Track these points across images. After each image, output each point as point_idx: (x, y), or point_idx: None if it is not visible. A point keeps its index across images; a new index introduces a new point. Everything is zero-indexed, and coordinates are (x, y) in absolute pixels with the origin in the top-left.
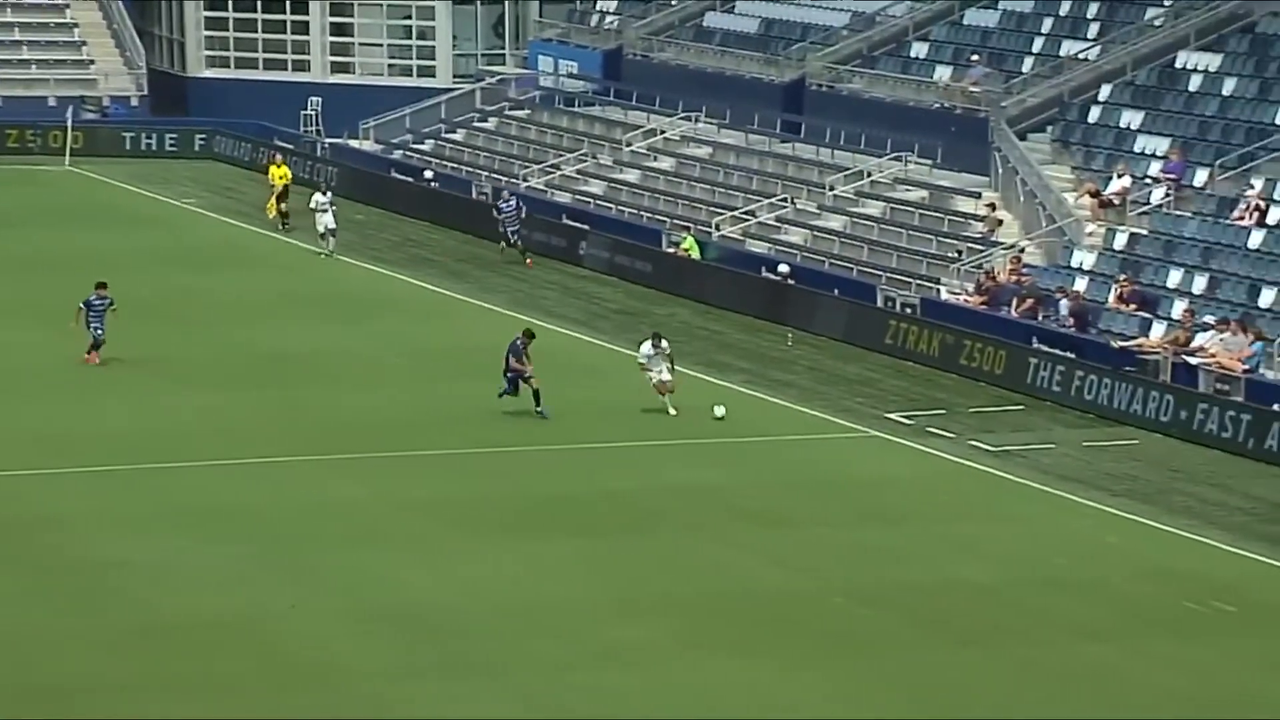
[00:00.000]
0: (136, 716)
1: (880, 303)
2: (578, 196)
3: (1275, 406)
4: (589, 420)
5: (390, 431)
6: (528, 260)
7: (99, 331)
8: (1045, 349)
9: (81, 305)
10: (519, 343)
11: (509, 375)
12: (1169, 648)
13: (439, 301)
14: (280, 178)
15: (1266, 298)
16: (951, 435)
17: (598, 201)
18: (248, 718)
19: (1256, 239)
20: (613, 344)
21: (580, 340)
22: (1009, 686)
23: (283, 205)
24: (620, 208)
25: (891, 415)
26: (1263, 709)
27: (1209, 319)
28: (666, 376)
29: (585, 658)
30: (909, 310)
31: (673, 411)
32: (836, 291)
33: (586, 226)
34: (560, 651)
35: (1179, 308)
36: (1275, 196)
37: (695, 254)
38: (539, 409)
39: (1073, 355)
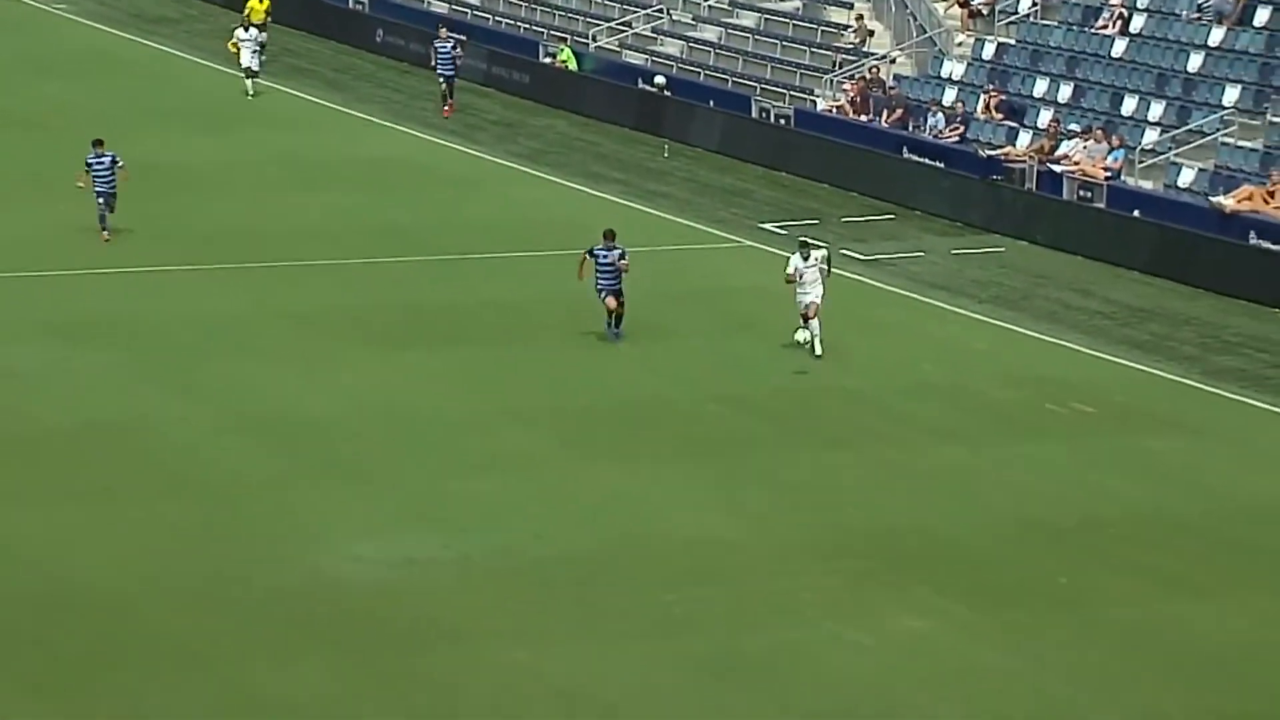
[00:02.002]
0: (18, 520)
1: (754, 113)
2: (454, 7)
3: (1135, 213)
4: (467, 233)
5: (269, 243)
6: (446, 108)
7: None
8: (916, 159)
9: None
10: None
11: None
12: (1029, 449)
13: (316, 111)
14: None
15: (1129, 105)
16: (820, 244)
17: (474, 11)
18: (126, 521)
19: (1119, 47)
20: (490, 155)
21: (457, 151)
22: (873, 486)
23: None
24: (498, 19)
25: (765, 225)
26: (1114, 505)
27: (1073, 127)
28: (817, 297)
29: (464, 465)
30: (783, 121)
31: (817, 349)
32: (711, 103)
33: (463, 37)
34: (440, 459)
35: (1045, 117)
36: (1138, 5)
37: (572, 65)
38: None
39: (941, 164)
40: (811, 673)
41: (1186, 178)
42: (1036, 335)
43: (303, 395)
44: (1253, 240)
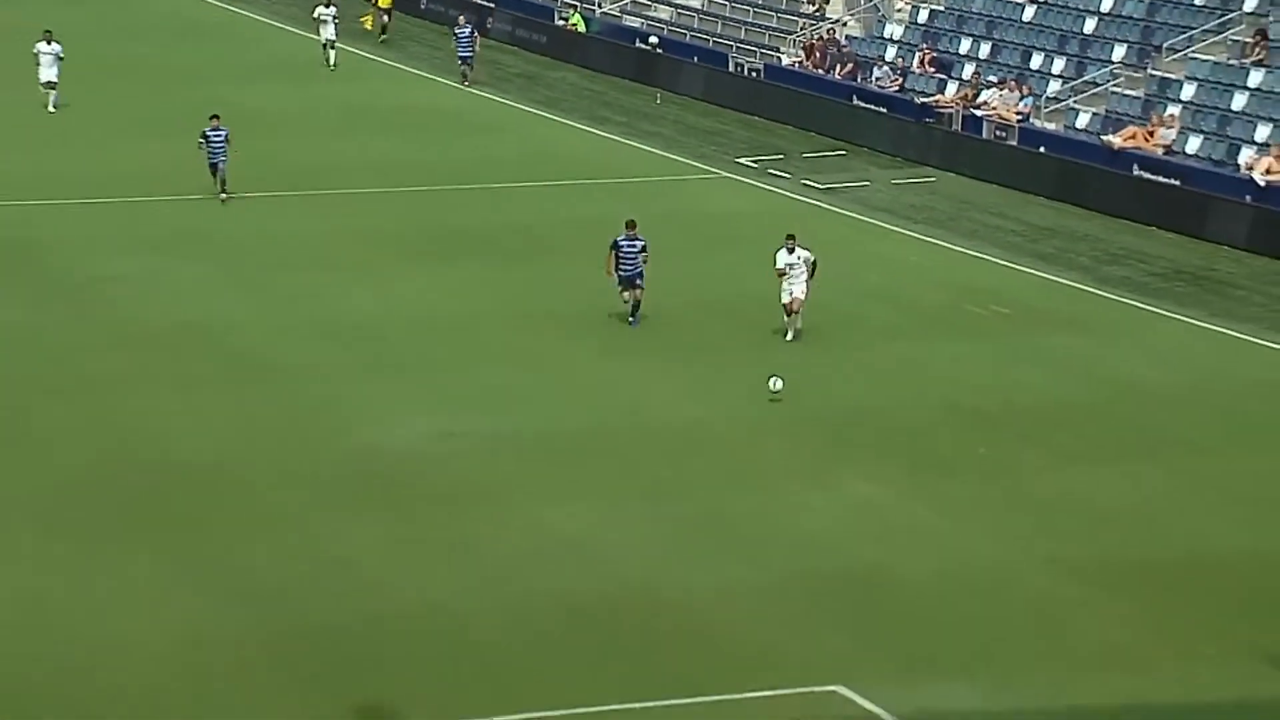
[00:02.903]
0: (129, 407)
1: (731, 68)
2: None
3: (1041, 149)
4: (496, 167)
5: (333, 175)
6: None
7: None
8: (863, 105)
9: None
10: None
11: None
12: (957, 345)
13: (370, 66)
14: None
15: (1036, 60)
16: (787, 176)
17: None
18: (215, 405)
19: (1029, 13)
20: (514, 103)
21: (487, 100)
22: (828, 377)
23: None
24: None
25: (740, 160)
26: (1026, 393)
27: (991, 79)
28: (800, 293)
29: (490, 358)
30: (754, 74)
31: (789, 337)
32: (696, 59)
33: (492, 4)
34: (471, 353)
35: (968, 70)
36: None
37: (581, 28)
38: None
39: (885, 110)
40: (779, 530)
41: (1083, 120)
42: (962, 250)
43: (360, 300)
44: (1135, 171)
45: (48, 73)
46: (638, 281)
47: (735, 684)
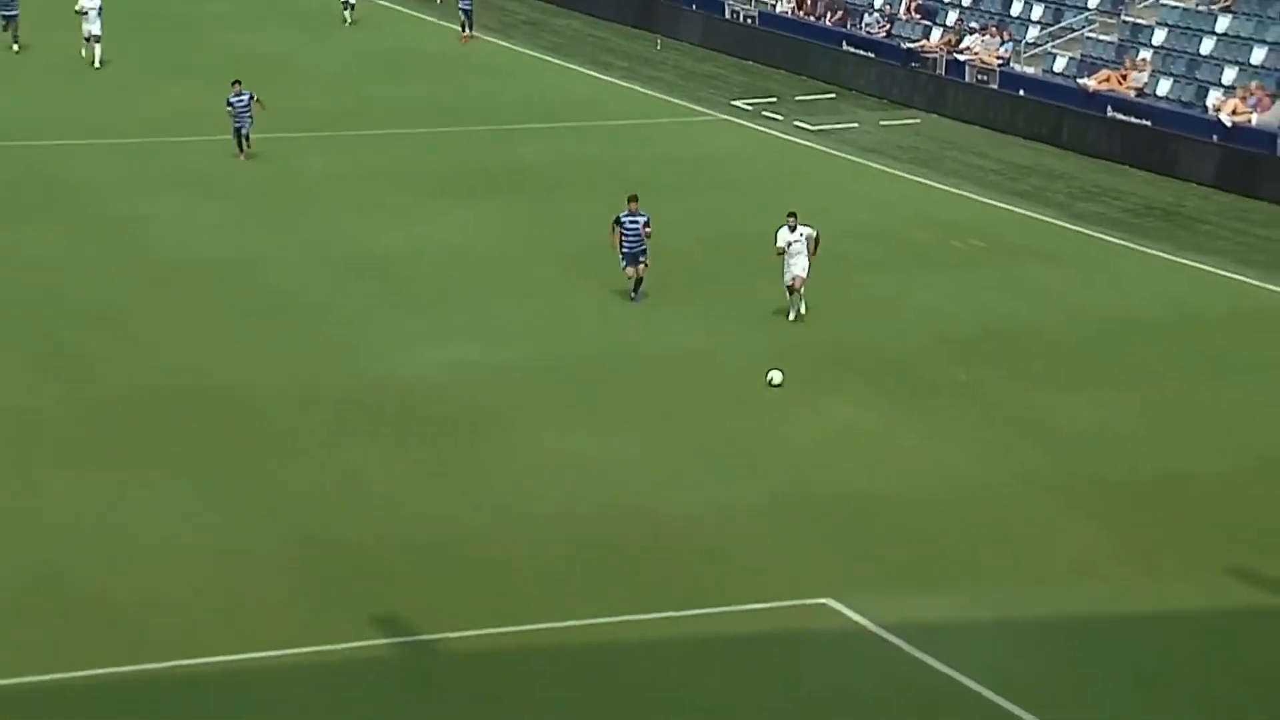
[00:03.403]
0: (161, 337)
1: (727, 15)
2: None
3: (1020, 92)
4: (507, 109)
5: (355, 118)
6: (465, 35)
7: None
8: (852, 50)
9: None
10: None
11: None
12: (937, 276)
13: (385, 14)
14: None
15: (1016, 7)
16: (780, 118)
17: None
18: (243, 335)
19: None
20: (522, 49)
21: (497, 45)
22: (821, 309)
23: None
24: None
25: (736, 103)
26: (1004, 323)
27: (973, 25)
28: (801, 271)
29: (502, 291)
30: (750, 21)
31: (792, 316)
32: (694, 6)
33: None
34: (483, 287)
35: (952, 17)
36: None
37: None
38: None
39: (873, 55)
40: (773, 452)
41: (1060, 65)
42: (944, 188)
43: (377, 237)
44: (1109, 113)
45: (91, 26)
46: (641, 259)
47: (731, 597)
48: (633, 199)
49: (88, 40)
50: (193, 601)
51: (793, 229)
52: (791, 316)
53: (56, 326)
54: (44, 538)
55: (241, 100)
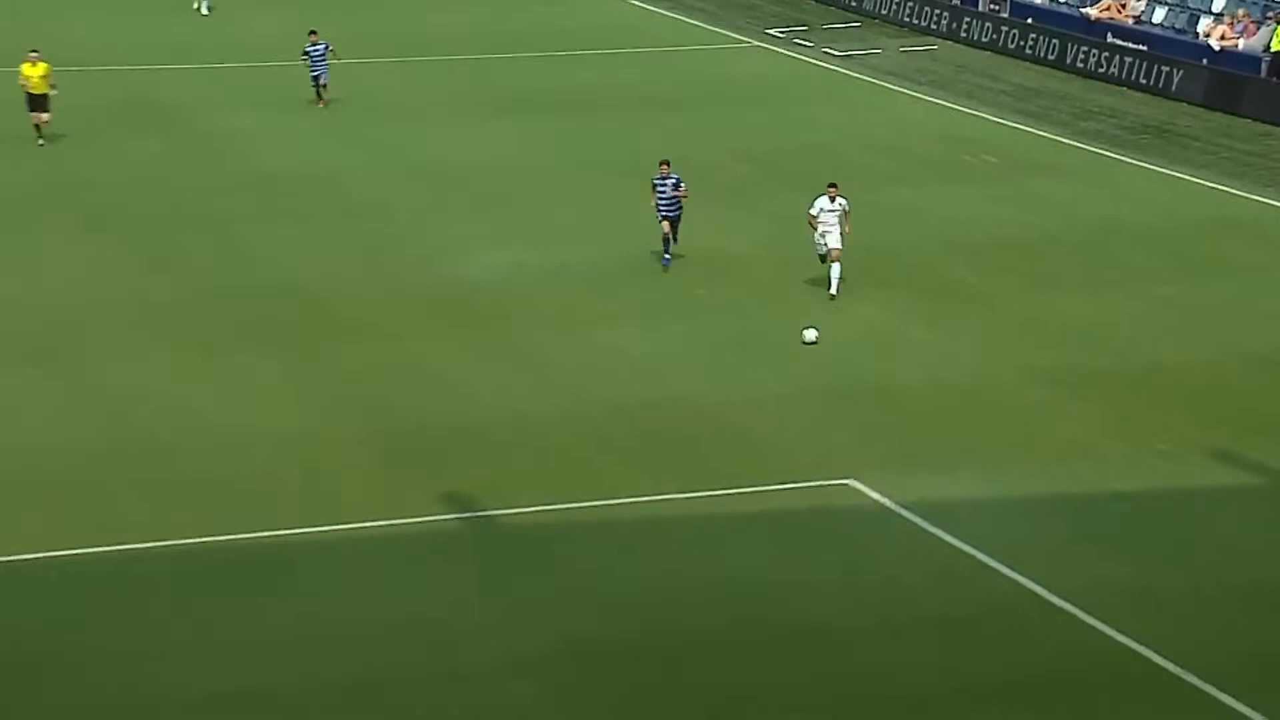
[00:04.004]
0: (250, 237)
1: None
2: None
3: (1029, 20)
4: (566, 37)
5: (420, 44)
6: None
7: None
8: None
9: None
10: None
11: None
12: (951, 188)
13: None
14: None
15: None
16: (810, 45)
17: None
18: (322, 237)
19: None
20: None
21: None
22: None
23: None
24: None
25: (770, 31)
26: (1009, 230)
27: None
28: (836, 243)
29: (557, 200)
30: None
31: (833, 291)
32: None
33: None
34: (540, 195)
35: None
36: None
37: None
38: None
39: None
40: (799, 346)
41: None
42: (958, 108)
43: (447, 149)
44: (1109, 39)
45: None
46: (676, 219)
47: (762, 477)
48: (664, 163)
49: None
50: (280, 477)
51: (832, 199)
52: (833, 290)
53: (164, 229)
54: (153, 416)
55: (317, 50)
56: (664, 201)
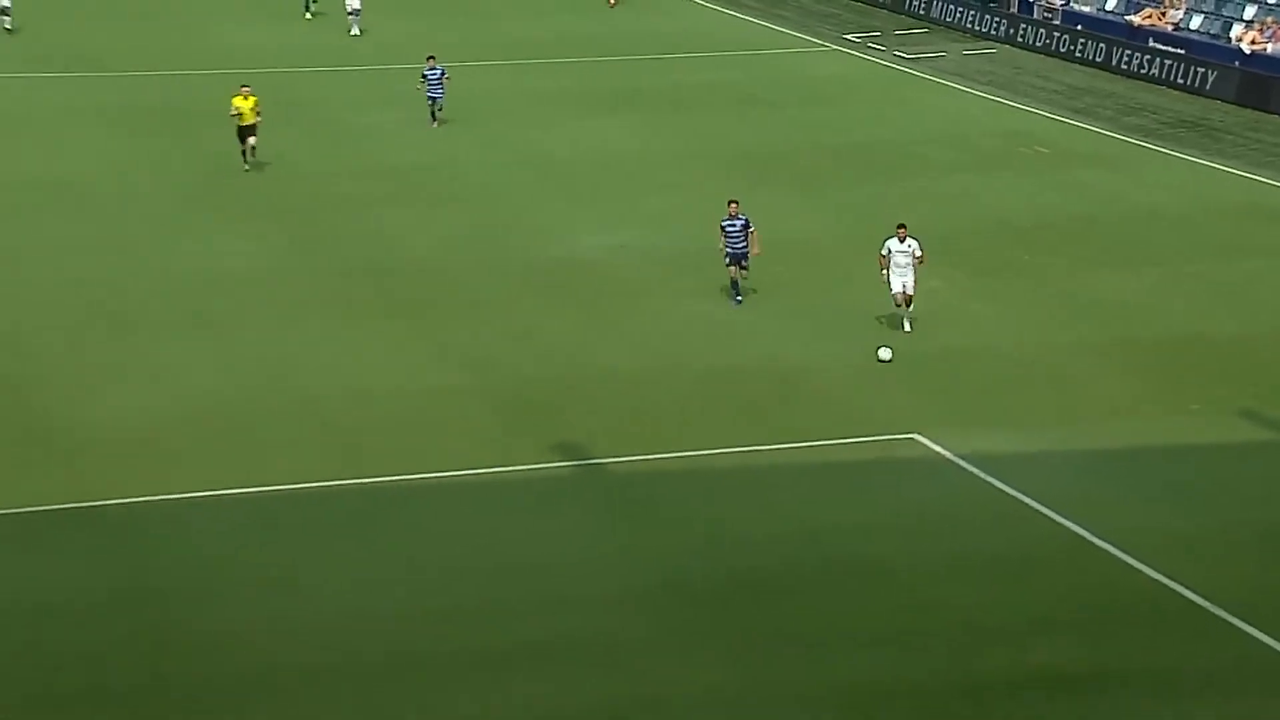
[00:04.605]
0: (380, 219)
1: None
2: None
3: (1079, 26)
4: (652, 41)
5: (527, 47)
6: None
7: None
8: None
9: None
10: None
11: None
12: (1007, 177)
13: None
14: None
15: None
16: (883, 49)
17: None
18: (442, 219)
19: None
20: None
21: None
22: (906, 202)
23: None
24: None
25: (848, 36)
26: (1059, 214)
27: None
28: (910, 288)
29: (650, 188)
30: None
31: (908, 328)
32: None
33: None
34: (636, 184)
35: None
36: None
37: None
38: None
39: None
40: (868, 316)
41: (1110, 4)
42: (1015, 105)
43: (555, 142)
44: (1150, 43)
45: (354, 2)
46: (743, 261)
47: (836, 432)
48: (732, 202)
49: (351, 14)
50: (407, 428)
51: (901, 240)
52: (908, 327)
53: (308, 213)
54: (298, 374)
55: (434, 73)
56: (731, 241)
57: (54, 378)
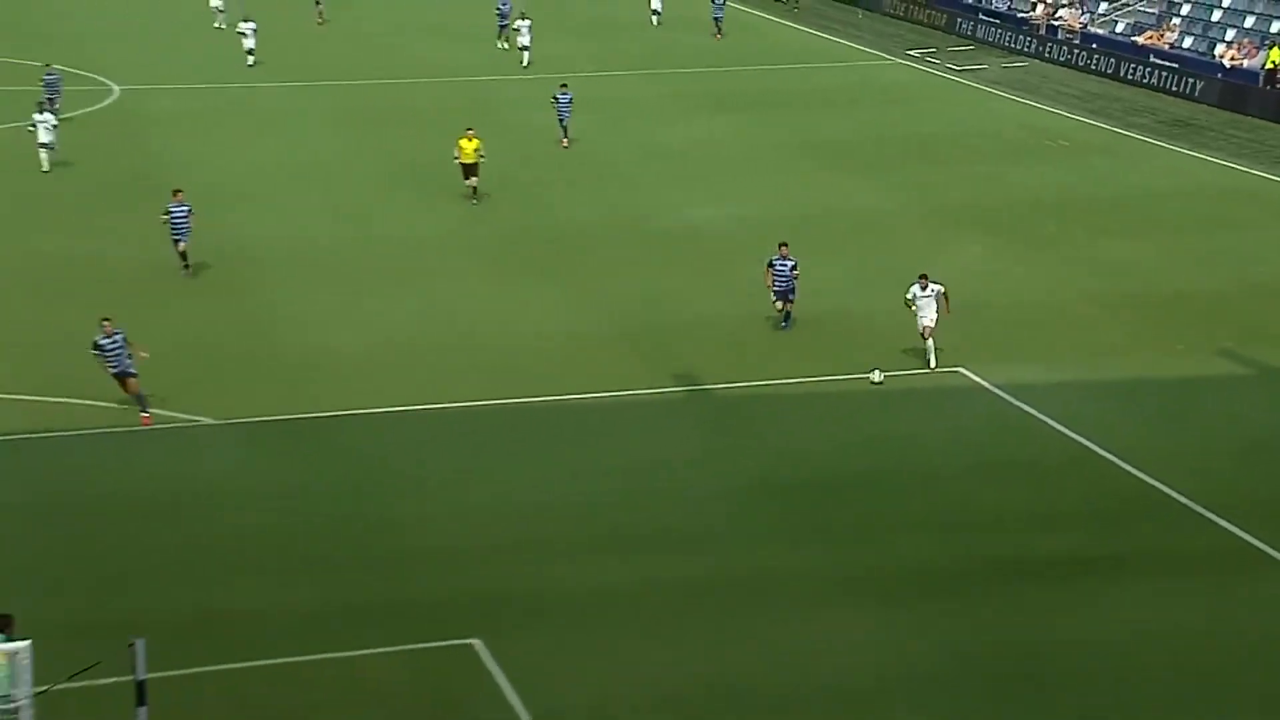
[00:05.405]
0: (542, 195)
1: None
2: None
3: (1094, 45)
4: (753, 56)
5: (654, 58)
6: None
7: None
8: (985, 18)
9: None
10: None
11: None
12: (1032, 166)
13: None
14: None
15: None
16: (936, 62)
17: None
18: (588, 196)
19: None
20: (762, 14)
21: (747, 11)
22: (950, 184)
23: None
24: None
25: (909, 51)
26: (1075, 194)
27: (1064, 1)
28: (930, 321)
29: (746, 172)
30: None
31: (933, 363)
32: None
33: None
34: (734, 169)
35: None
36: None
37: None
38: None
39: (997, 20)
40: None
41: (1120, 27)
42: (1041, 107)
43: (673, 135)
44: (1152, 59)
45: (523, 38)
46: (790, 296)
47: (896, 366)
48: (783, 245)
49: (522, 49)
50: (557, 361)
51: (924, 287)
52: (932, 364)
53: (486, 190)
54: (465, 318)
55: (565, 98)
56: (779, 278)
57: (286, 317)
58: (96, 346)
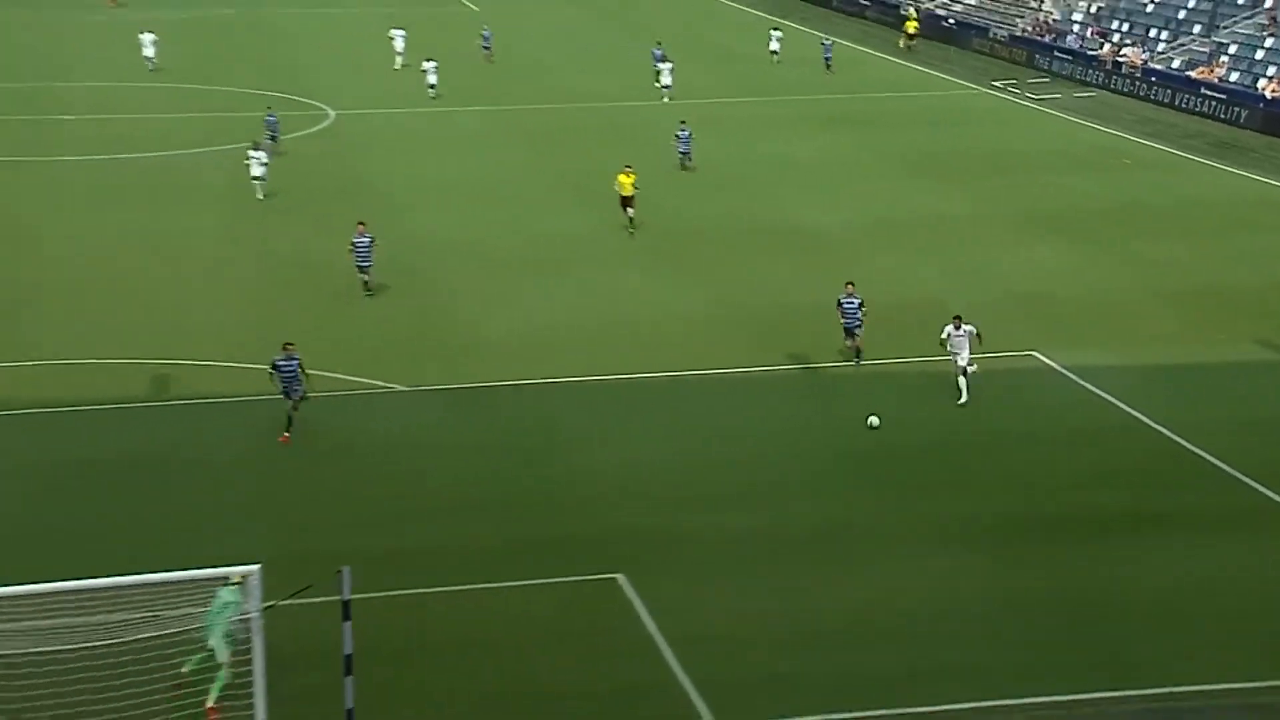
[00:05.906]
0: (664, 200)
1: (990, 34)
2: None
3: (1153, 79)
4: (854, 83)
5: (762, 88)
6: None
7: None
8: (1059, 54)
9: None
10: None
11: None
12: (1097, 179)
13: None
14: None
15: (1153, 32)
16: (1017, 91)
17: None
18: (707, 201)
19: (1150, 7)
20: (866, 49)
21: (853, 48)
22: (1022, 192)
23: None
24: None
25: (994, 82)
26: (1133, 202)
27: (1128, 42)
28: (965, 360)
29: (853, 179)
30: (1004, 38)
31: (963, 399)
32: (972, 31)
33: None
34: (829, 176)
35: (1116, 36)
36: None
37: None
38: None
39: (1070, 57)
40: (993, 269)
41: (1176, 63)
42: (1107, 130)
43: (785, 149)
44: (1202, 91)
45: (665, 79)
46: (856, 331)
47: (978, 350)
48: (849, 284)
49: (664, 88)
50: (685, 341)
51: (957, 327)
52: (962, 400)
53: (584, 183)
54: (615, 306)
55: (684, 133)
56: (847, 315)
57: (459, 302)
58: (274, 366)
